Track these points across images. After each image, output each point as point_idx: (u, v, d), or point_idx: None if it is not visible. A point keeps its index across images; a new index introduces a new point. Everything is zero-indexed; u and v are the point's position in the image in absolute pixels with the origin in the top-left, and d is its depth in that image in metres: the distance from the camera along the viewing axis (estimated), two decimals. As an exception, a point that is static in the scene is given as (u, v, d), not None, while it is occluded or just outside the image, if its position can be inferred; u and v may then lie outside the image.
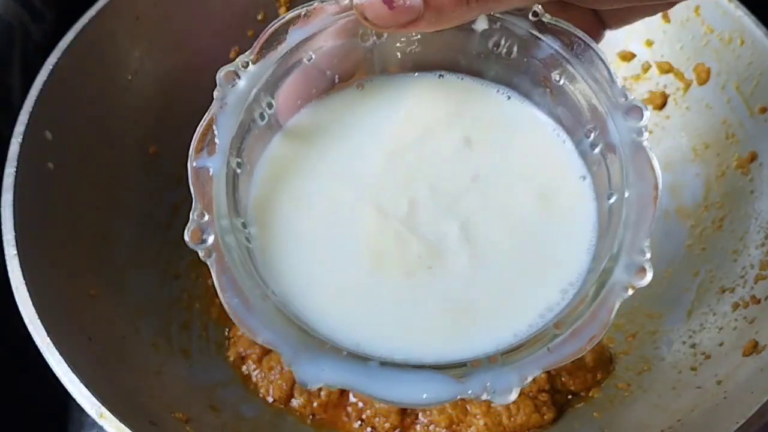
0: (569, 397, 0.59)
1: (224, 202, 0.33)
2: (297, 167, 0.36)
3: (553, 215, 0.36)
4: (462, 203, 0.35)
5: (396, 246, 0.34)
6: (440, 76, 0.40)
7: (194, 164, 0.34)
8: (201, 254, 0.32)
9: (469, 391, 0.30)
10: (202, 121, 0.35)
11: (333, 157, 0.37)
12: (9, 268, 0.49)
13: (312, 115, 0.38)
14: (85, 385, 0.46)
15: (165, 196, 0.66)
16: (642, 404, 0.56)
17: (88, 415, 0.47)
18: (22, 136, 0.54)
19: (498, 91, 0.40)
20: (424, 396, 0.30)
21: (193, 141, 0.34)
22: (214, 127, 0.35)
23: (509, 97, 0.40)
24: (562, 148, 0.38)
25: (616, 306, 0.32)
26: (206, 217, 0.33)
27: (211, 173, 0.34)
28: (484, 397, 0.30)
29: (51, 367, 0.47)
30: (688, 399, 0.53)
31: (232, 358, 0.60)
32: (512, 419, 0.56)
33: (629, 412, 0.56)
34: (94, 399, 0.46)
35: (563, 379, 0.59)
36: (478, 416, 0.57)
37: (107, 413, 0.46)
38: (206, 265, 0.65)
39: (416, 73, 0.40)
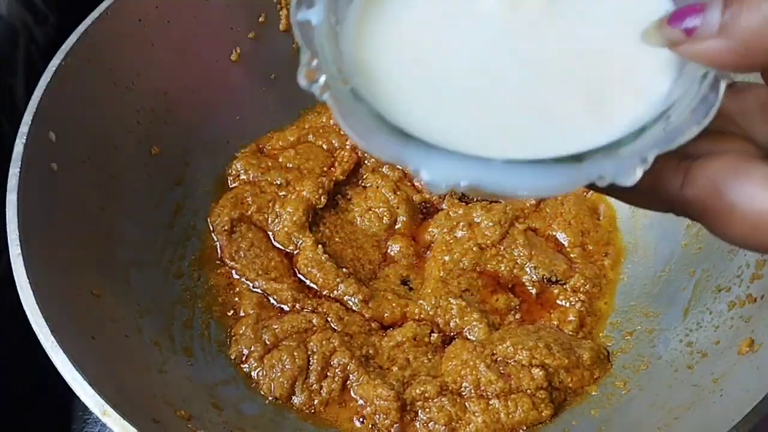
0: (567, 394, 0.59)
1: (330, 51, 0.36)
2: (381, 14, 0.38)
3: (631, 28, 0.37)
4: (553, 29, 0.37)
5: (498, 60, 0.37)
6: None
7: (297, 18, 0.36)
8: (317, 93, 0.34)
9: (594, 174, 0.32)
10: None
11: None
12: (13, 268, 0.50)
13: None
14: (89, 383, 0.46)
15: (167, 196, 0.67)
16: (639, 402, 0.57)
17: (91, 413, 0.47)
18: (26, 137, 0.54)
19: None
20: (551, 183, 0.32)
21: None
22: None
23: None
24: None
25: (723, 87, 0.33)
26: (315, 62, 0.35)
27: (313, 24, 0.36)
28: (609, 179, 0.31)
29: (55, 365, 0.47)
30: (685, 397, 0.54)
31: (233, 357, 0.61)
32: (510, 416, 0.57)
33: (626, 409, 0.57)
34: (97, 397, 0.46)
35: (561, 376, 0.59)
36: (476, 414, 0.57)
37: (110, 411, 0.46)
38: (208, 265, 0.66)
39: None
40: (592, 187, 0.34)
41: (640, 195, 0.37)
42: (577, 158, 0.33)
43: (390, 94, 0.36)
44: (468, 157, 0.33)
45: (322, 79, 0.34)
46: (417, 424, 0.58)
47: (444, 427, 0.57)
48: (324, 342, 0.60)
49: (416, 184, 0.72)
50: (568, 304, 0.65)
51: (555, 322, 0.64)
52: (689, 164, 0.34)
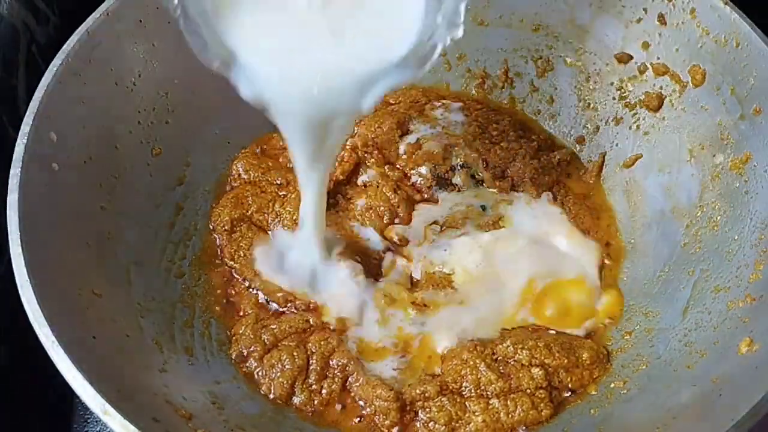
0: (566, 394, 0.60)
1: None
2: None
3: None
4: None
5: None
6: None
7: None
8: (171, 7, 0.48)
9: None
10: None
11: None
12: (15, 267, 0.50)
13: None
14: (90, 383, 0.47)
15: (168, 196, 0.67)
16: (638, 401, 0.57)
17: (92, 412, 0.47)
18: (27, 137, 0.54)
19: None
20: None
21: None
22: None
23: None
24: None
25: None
26: None
27: None
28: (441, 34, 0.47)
29: (56, 364, 0.47)
30: (684, 396, 0.54)
31: (234, 356, 0.61)
32: (510, 416, 0.57)
33: (625, 409, 0.57)
34: (98, 396, 0.46)
35: (561, 376, 0.59)
36: (476, 413, 0.57)
37: (111, 410, 0.46)
38: (209, 265, 0.66)
39: None
40: None
41: None
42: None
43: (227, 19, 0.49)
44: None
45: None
46: (417, 423, 0.58)
47: (444, 426, 0.57)
48: (322, 342, 0.60)
49: (416, 184, 0.73)
50: (567, 304, 0.65)
51: (554, 322, 0.64)
52: None
